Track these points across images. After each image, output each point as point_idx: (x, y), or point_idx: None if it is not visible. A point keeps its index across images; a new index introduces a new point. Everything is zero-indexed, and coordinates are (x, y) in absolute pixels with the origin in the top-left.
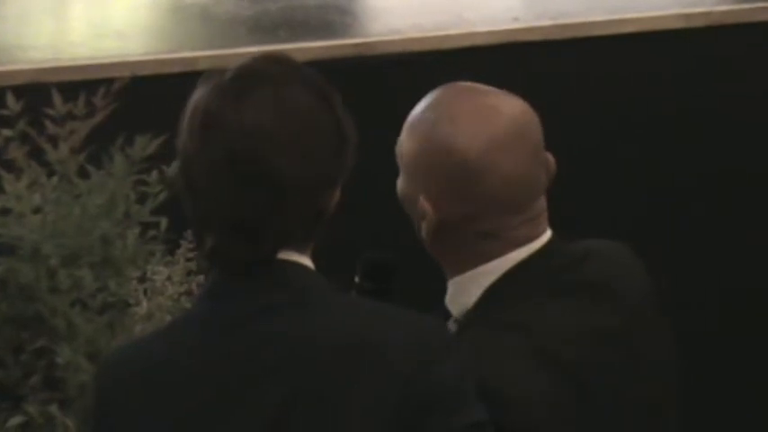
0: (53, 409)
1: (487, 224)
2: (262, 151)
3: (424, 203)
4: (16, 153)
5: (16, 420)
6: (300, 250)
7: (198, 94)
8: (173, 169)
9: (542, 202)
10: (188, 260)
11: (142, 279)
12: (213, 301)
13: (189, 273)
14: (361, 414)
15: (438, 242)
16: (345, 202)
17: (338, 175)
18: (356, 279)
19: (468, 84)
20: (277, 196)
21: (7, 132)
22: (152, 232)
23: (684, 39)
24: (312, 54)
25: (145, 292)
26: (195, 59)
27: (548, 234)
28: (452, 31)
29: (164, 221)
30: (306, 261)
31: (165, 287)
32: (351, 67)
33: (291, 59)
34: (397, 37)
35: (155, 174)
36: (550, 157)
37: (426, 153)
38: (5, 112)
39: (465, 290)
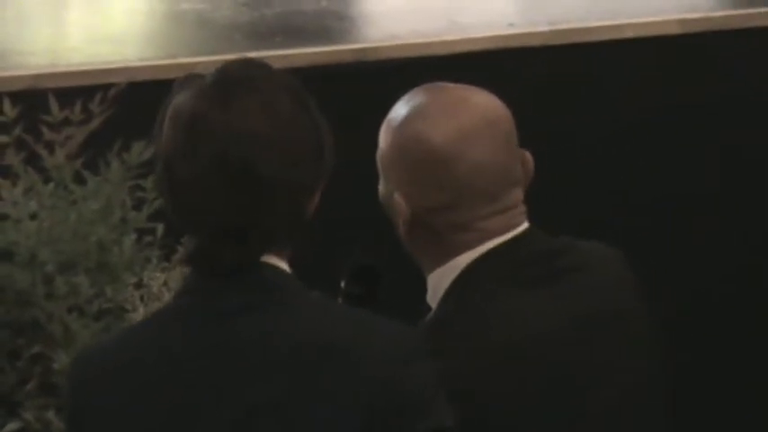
0: (50, 414)
1: (459, 215)
2: (251, 155)
3: (398, 198)
4: (13, 159)
5: (13, 426)
6: (278, 254)
7: (180, 99)
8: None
9: (517, 195)
10: (184, 266)
11: (138, 285)
12: (188, 300)
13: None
14: (327, 415)
15: (414, 238)
16: (341, 207)
17: (319, 178)
18: (342, 284)
19: (440, 83)
20: (263, 198)
21: (4, 138)
22: (148, 238)
23: (681, 44)
24: (309, 60)
25: (141, 298)
26: (192, 65)
27: (524, 226)
28: (449, 37)
29: (160, 227)
30: (283, 265)
31: (161, 293)
32: (348, 72)
33: (267, 64)
34: (394, 42)
35: (151, 180)
36: (528, 155)
37: (397, 147)
38: (2, 118)
39: (440, 284)
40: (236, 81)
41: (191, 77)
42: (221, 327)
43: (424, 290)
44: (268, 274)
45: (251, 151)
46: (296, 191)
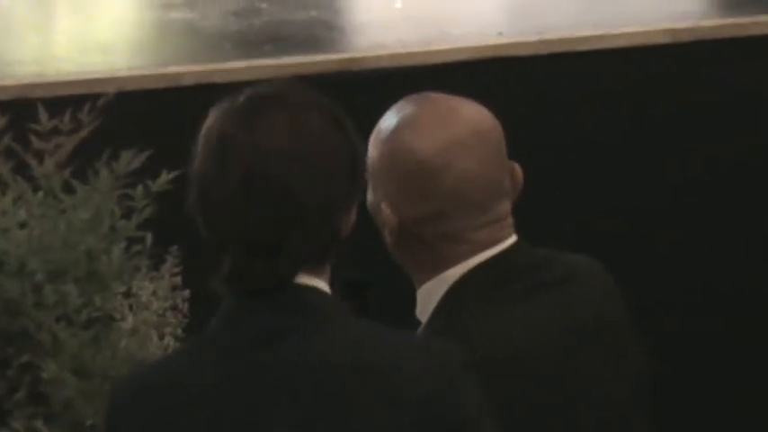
0: (38, 424)
1: (448, 225)
2: (277, 172)
3: (386, 209)
4: (2, 168)
5: None
6: (316, 273)
7: (211, 119)
8: (159, 184)
9: (506, 207)
10: (173, 275)
11: (127, 294)
12: (229, 325)
13: (174, 288)
14: None
15: (402, 249)
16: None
17: (353, 196)
18: None
19: (431, 93)
20: (293, 217)
21: None
22: (137, 247)
23: (671, 54)
24: (298, 69)
25: (130, 307)
26: (181, 75)
27: (512, 239)
28: (438, 47)
29: (149, 236)
30: (321, 285)
31: (150, 302)
32: (336, 81)
33: (302, 83)
34: (382, 52)
35: (140, 189)
36: (517, 167)
37: (386, 157)
38: None
39: (430, 297)
40: (264, 99)
41: (226, 98)
42: (257, 352)
43: (412, 304)
44: (303, 294)
45: (279, 168)
46: (327, 207)
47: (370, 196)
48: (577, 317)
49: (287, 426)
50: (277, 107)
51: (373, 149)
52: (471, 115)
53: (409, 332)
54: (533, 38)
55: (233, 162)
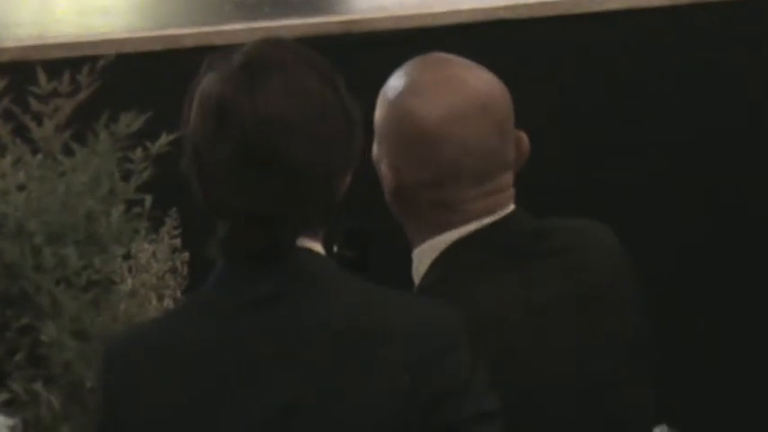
0: (37, 386)
1: (445, 194)
2: (277, 139)
3: (386, 168)
4: (1, 131)
5: (1, 397)
6: (313, 236)
7: (207, 82)
8: (158, 147)
9: (506, 178)
10: (172, 237)
11: (127, 256)
12: (227, 287)
13: (173, 250)
14: (372, 400)
15: (398, 208)
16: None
17: (351, 159)
18: (335, 248)
19: (443, 55)
20: (294, 184)
21: None
22: (137, 210)
23: (669, 15)
24: (297, 31)
25: (129, 269)
26: (180, 37)
27: (509, 208)
28: (438, 9)
29: (148, 199)
30: (317, 247)
31: (149, 265)
32: (336, 44)
33: (294, 43)
34: (382, 14)
35: (139, 151)
36: (523, 136)
37: (390, 120)
38: None
39: (421, 262)
40: (263, 63)
41: (217, 58)
42: (255, 314)
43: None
44: (303, 258)
45: (279, 137)
46: (327, 175)
47: (374, 148)
48: (576, 284)
49: (283, 387)
50: (277, 71)
51: (379, 108)
52: (478, 85)
53: (406, 294)
54: (531, 0)
55: (232, 129)
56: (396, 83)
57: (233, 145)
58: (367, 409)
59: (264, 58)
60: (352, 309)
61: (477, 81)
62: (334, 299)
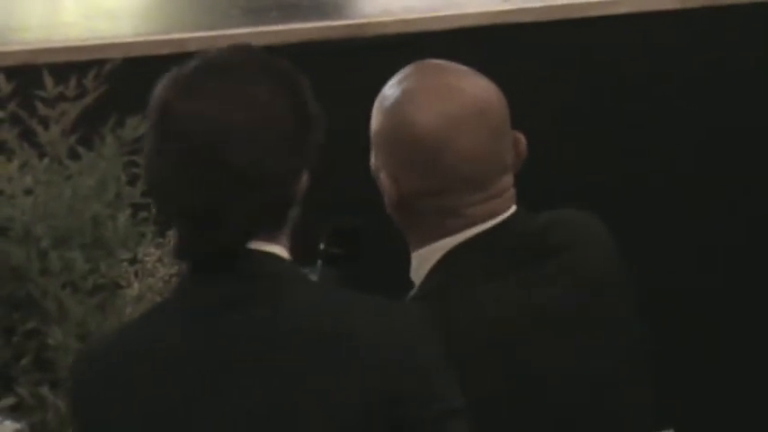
0: (44, 390)
1: (446, 201)
2: (214, 142)
3: (385, 178)
4: (7, 135)
5: (7, 401)
6: (272, 239)
7: (156, 88)
8: None
9: (506, 181)
10: None
11: (133, 261)
12: (181, 294)
13: None
14: (333, 403)
15: (400, 216)
16: (335, 180)
17: (303, 162)
18: (322, 246)
19: (437, 62)
20: (233, 187)
21: None
22: (143, 214)
23: (680, 19)
24: (304, 35)
25: (136, 273)
26: (187, 41)
27: (511, 210)
28: (443, 13)
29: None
30: (276, 249)
31: (155, 269)
32: (343, 48)
33: (256, 49)
34: (388, 18)
35: None
36: (521, 137)
37: (387, 129)
38: None
39: (423, 264)
40: (209, 69)
41: (175, 66)
42: (214, 320)
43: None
44: (260, 262)
45: (217, 139)
46: (271, 176)
47: (372, 159)
48: (575, 283)
49: (247, 392)
50: (222, 76)
51: (375, 117)
52: (474, 91)
53: (367, 296)
54: (537, 4)
55: (171, 132)
56: (391, 92)
57: (174, 147)
58: (336, 409)
59: (213, 64)
60: (310, 311)
61: (472, 87)
62: (292, 302)
